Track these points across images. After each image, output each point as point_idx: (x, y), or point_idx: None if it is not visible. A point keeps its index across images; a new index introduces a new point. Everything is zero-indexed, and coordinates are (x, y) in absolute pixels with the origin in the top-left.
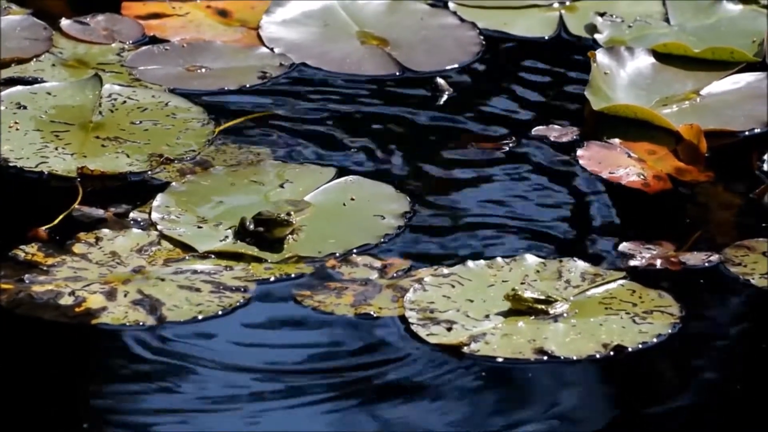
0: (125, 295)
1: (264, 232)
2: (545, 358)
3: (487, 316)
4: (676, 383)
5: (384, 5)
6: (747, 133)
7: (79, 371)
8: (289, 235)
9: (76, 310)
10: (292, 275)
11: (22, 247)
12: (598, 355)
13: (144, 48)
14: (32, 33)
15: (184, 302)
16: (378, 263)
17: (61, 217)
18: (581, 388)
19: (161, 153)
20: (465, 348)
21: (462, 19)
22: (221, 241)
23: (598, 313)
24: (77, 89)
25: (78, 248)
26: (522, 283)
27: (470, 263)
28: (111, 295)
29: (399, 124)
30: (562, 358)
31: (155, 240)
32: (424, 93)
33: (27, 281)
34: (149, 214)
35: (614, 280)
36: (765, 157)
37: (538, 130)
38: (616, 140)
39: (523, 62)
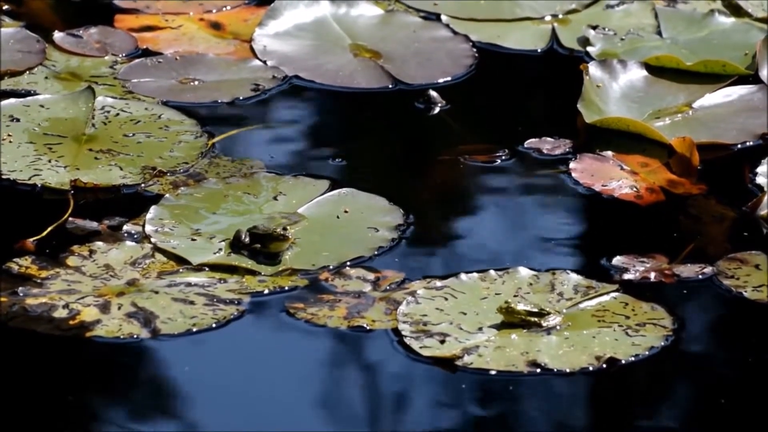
0: (119, 308)
1: (261, 248)
2: (538, 370)
3: (480, 329)
4: (668, 396)
5: (377, 18)
6: (739, 146)
7: (74, 384)
8: (286, 250)
9: (70, 323)
10: (286, 288)
11: (15, 259)
12: (591, 368)
13: (137, 60)
14: (25, 46)
15: (178, 315)
16: (371, 276)
17: (49, 229)
18: (574, 401)
19: (154, 165)
20: (458, 360)
21: (455, 32)
22: (215, 253)
23: (591, 326)
24: (70, 102)
25: (72, 261)
26: (515, 296)
27: (463, 276)
28: (105, 307)
29: (392, 136)
30: (555, 370)
31: (149, 253)
32: (417, 105)
33: (21, 294)
34: (143, 226)
35: (607, 293)
36: (757, 170)
37: (530, 142)
38: (609, 153)
39: (516, 75)
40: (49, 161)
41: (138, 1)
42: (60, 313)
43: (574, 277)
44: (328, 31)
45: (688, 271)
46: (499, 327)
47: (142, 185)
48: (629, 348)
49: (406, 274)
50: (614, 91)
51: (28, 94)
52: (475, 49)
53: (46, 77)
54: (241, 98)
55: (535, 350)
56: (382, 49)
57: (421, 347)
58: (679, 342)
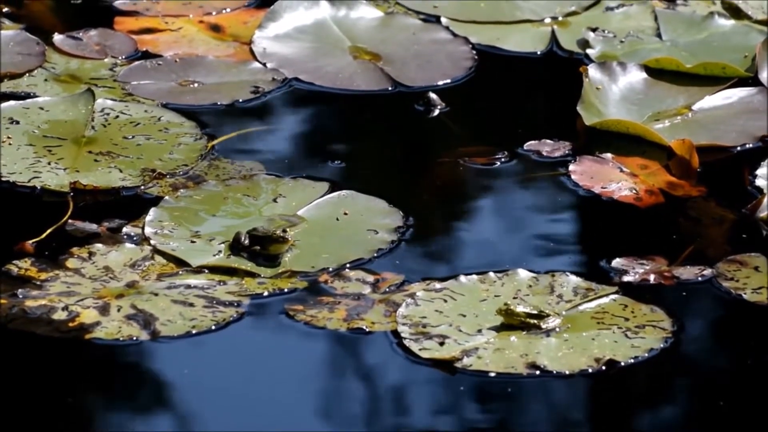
0: (119, 310)
1: (260, 250)
2: (537, 372)
3: (479, 331)
4: (668, 398)
5: (376, 20)
6: (739, 148)
7: (73, 386)
8: (285, 252)
9: (70, 325)
10: (285, 290)
11: (15, 262)
12: (590, 370)
13: (136, 63)
14: (25, 48)
15: (178, 317)
16: (371, 278)
17: (48, 231)
18: (573, 403)
19: (154, 168)
20: (457, 363)
21: (454, 34)
22: (214, 255)
23: (590, 328)
24: (70, 104)
25: (71, 263)
26: (514, 298)
27: (462, 278)
28: (104, 310)
29: (391, 138)
30: (554, 372)
31: (148, 255)
32: (417, 108)
33: (20, 296)
34: (142, 228)
35: (606, 295)
36: (757, 172)
37: (530, 144)
38: (609, 155)
39: (516, 77)
40: (49, 163)
41: (138, 4)
42: (59, 315)
43: (574, 279)
44: (327, 33)
45: (687, 273)
46: (499, 329)
47: (142, 187)
48: (628, 350)
49: (406, 276)
50: (614, 93)
51: (27, 96)
52: (474, 52)
53: (46, 79)
54: (240, 100)
55: (535, 352)
56: (381, 52)
57: (420, 349)
58: (679, 344)
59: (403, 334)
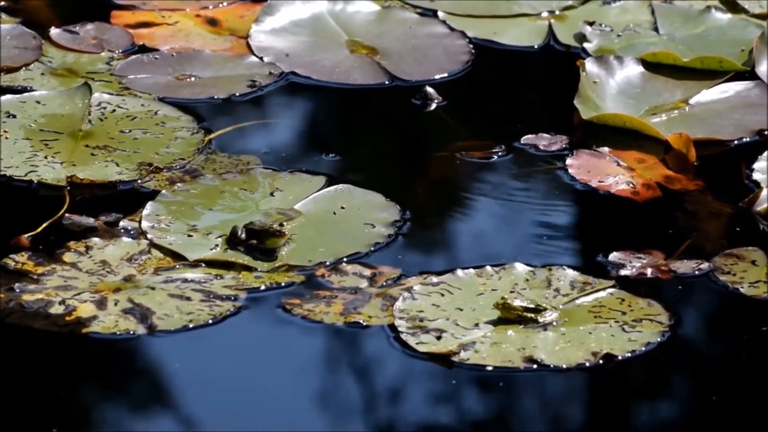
0: (116, 304)
1: (257, 244)
2: (534, 366)
3: (476, 325)
4: (664, 392)
5: (373, 14)
6: (736, 142)
7: (70, 381)
8: (282, 246)
9: (67, 319)
10: (282, 284)
11: (11, 256)
12: (587, 364)
13: (133, 57)
14: (22, 42)
15: (175, 311)
16: (368, 272)
17: (45, 225)
18: (570, 397)
19: (151, 162)
20: (454, 356)
21: (451, 28)
22: (211, 249)
23: (587, 322)
24: (67, 98)
25: (68, 257)
26: (511, 292)
27: (459, 272)
28: (101, 304)
29: (388, 132)
30: (551, 366)
31: (145, 249)
32: (414, 102)
33: (17, 290)
34: (139, 222)
35: (603, 289)
36: (754, 166)
37: (527, 138)
38: (606, 149)
39: (513, 71)
40: (46, 157)
41: None
42: (56, 310)
43: (571, 273)
44: (324, 27)
45: (684, 267)
46: (496, 323)
47: (139, 181)
48: (625, 344)
49: (403, 270)
50: (611, 87)
51: (24, 90)
52: (471, 46)
53: (43, 73)
54: (237, 94)
55: (532, 346)
56: (378, 46)
57: (417, 343)
58: (676, 338)
59: (400, 328)
